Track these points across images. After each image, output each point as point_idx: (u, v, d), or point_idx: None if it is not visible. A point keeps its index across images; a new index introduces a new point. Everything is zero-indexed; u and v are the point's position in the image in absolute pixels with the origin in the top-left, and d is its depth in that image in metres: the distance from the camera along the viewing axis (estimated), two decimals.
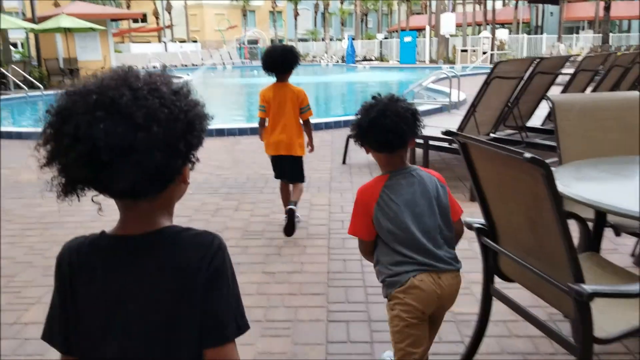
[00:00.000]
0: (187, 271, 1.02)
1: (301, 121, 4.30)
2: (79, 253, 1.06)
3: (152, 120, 0.94)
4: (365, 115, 1.99)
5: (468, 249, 3.56)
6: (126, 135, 0.91)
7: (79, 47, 22.61)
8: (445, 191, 2.03)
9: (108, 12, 24.94)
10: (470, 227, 2.32)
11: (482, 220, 2.30)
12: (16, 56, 34.27)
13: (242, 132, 9.03)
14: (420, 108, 11.44)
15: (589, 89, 6.80)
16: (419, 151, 6.24)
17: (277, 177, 4.52)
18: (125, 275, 1.04)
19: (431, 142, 5.86)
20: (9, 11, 42.87)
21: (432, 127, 6.77)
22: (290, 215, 4.20)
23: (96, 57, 22.74)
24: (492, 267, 2.33)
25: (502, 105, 5.85)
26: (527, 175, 1.83)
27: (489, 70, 5.46)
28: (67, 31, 20.82)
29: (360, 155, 7.15)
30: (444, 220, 1.99)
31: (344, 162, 6.89)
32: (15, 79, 16.90)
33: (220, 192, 5.67)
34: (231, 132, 9.07)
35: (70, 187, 0.98)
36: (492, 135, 6.03)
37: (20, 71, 17.30)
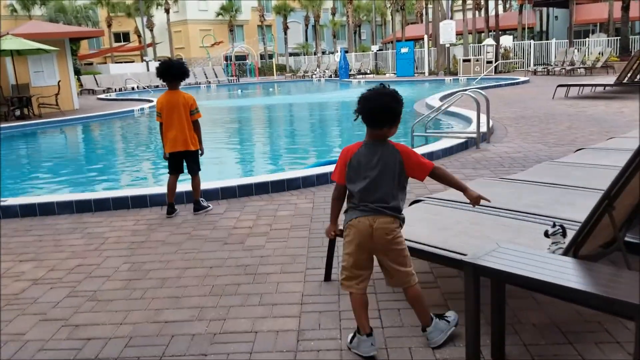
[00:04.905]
0: None
1: None
2: None
3: None
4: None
5: None
6: None
7: (32, 71, 19.74)
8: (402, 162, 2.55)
9: (65, 31, 21.81)
10: None
11: None
12: None
13: (186, 198, 5.66)
14: (440, 145, 8.26)
15: None
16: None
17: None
18: None
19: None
20: None
21: (491, 215, 3.03)
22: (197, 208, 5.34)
23: (52, 83, 19.80)
24: None
25: None
26: None
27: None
28: (15, 54, 17.93)
29: None
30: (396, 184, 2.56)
31: (327, 279, 3.66)
32: None
33: None
34: (156, 201, 5.68)
35: None
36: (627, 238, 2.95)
37: None
